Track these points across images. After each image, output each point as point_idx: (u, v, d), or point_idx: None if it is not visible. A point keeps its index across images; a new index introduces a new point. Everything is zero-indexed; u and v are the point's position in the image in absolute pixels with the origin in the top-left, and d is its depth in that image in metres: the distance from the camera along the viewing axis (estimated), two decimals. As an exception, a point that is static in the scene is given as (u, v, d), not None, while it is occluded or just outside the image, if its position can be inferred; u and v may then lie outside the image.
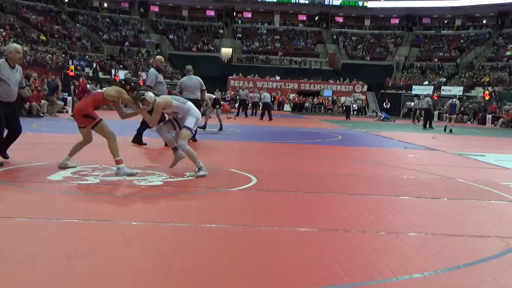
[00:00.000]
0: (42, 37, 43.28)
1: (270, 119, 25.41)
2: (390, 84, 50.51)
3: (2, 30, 35.06)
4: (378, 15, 63.76)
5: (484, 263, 3.47)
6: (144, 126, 10.23)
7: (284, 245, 3.72)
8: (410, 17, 62.02)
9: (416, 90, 45.92)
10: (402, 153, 11.58)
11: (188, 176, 6.50)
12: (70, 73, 33.27)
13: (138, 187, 5.70)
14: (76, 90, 24.49)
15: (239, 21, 63.96)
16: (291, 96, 49.03)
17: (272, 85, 49.09)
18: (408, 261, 3.45)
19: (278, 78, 51.00)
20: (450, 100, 22.66)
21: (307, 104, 47.60)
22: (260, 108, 30.25)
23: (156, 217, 4.38)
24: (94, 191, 5.39)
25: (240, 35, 60.39)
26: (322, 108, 47.83)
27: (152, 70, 10.71)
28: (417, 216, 4.89)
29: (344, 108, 43.74)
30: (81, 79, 23.28)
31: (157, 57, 10.80)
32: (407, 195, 5.95)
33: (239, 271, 3.13)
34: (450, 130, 21.26)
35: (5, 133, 7.16)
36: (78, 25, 53.60)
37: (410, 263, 3.39)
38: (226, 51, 58.03)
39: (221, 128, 15.73)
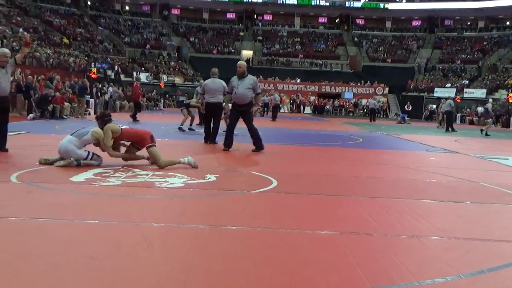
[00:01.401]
0: (65, 40, 43.81)
1: (274, 119, 27.02)
2: (411, 87, 50.07)
3: (26, 33, 35.59)
4: (399, 17, 63.30)
5: (508, 268, 3.42)
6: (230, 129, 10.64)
7: (305, 247, 3.71)
8: (432, 19, 61.45)
9: (438, 92, 45.45)
10: (424, 156, 11.47)
11: (208, 178, 6.53)
12: (92, 76, 33.62)
13: (159, 189, 5.73)
14: (130, 94, 25.43)
15: (260, 24, 64.02)
16: (312, 98, 48.88)
17: (292, 87, 49.06)
18: (430, 265, 3.41)
19: (298, 80, 50.91)
20: (484, 106, 22.74)
21: (327, 107, 47.43)
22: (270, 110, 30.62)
23: (177, 219, 4.40)
24: (115, 193, 5.44)
25: (261, 38, 60.43)
26: (343, 110, 47.60)
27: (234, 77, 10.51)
28: (439, 220, 4.83)
29: (365, 110, 43.58)
30: (135, 83, 23.74)
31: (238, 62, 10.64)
32: (429, 199, 5.89)
33: (259, 273, 3.13)
34: (486, 133, 21.17)
35: None
36: (100, 28, 54.17)
37: (432, 267, 3.36)
38: (247, 54, 58.12)
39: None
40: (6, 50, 8.88)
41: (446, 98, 26.50)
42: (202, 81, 24.50)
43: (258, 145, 10.21)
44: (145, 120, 21.84)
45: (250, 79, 10.36)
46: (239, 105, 10.34)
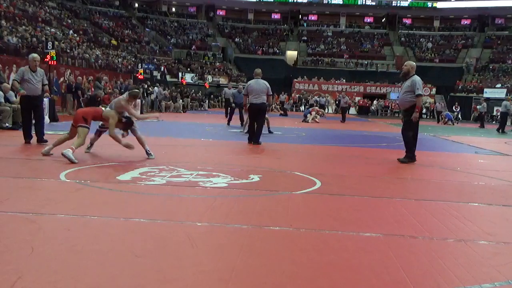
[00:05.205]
0: (113, 42, 44.77)
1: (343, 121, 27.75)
2: (460, 87, 48.92)
3: (76, 35, 36.53)
4: (448, 15, 62.00)
5: (561, 275, 3.30)
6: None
7: (348, 249, 3.68)
8: (482, 17, 59.90)
9: (488, 93, 44.29)
10: (472, 158, 11.20)
11: (251, 179, 6.55)
12: (139, 77, 34.22)
13: (203, 189, 5.79)
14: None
15: (305, 24, 63.85)
16: (357, 99, 48.42)
17: (337, 88, 48.71)
18: (477, 270, 3.33)
19: (343, 81, 50.52)
20: None
21: (372, 107, 46.85)
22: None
23: (220, 219, 4.43)
24: (160, 192, 5.52)
25: (306, 38, 60.27)
26: (389, 111, 46.94)
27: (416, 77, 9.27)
28: (487, 224, 4.71)
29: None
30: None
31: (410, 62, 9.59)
32: (477, 202, 5.75)
33: (302, 274, 3.12)
34: None
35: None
36: (147, 29, 55.14)
37: (479, 272, 3.27)
38: (291, 54, 58.06)
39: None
40: (35, 55, 9.95)
41: (486, 99, 26.17)
42: (231, 83, 24.50)
43: (410, 154, 9.25)
44: (190, 121, 22.14)
45: (410, 80, 9.12)
46: (403, 110, 9.52)
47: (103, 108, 8.48)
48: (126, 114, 8.35)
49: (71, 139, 8.08)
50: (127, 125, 8.29)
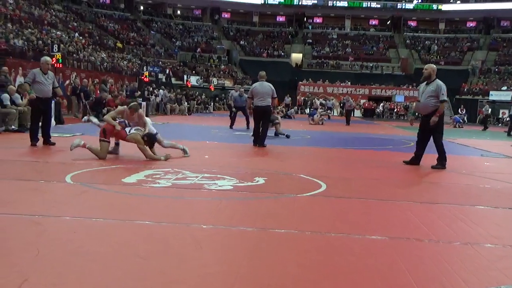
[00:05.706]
0: (119, 44, 44.82)
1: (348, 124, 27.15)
2: (465, 90, 48.78)
3: (81, 37, 36.64)
4: (453, 18, 61.79)
5: None
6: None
7: (354, 252, 3.67)
8: (488, 19, 59.66)
9: (494, 95, 44.12)
10: (478, 161, 11.16)
11: (257, 181, 6.55)
12: (144, 79, 34.29)
13: (209, 191, 5.79)
14: None
15: (310, 27, 63.80)
16: (362, 101, 48.34)
17: (342, 90, 48.64)
18: (484, 273, 3.31)
19: (349, 83, 50.45)
20: None
21: (378, 110, 46.77)
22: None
23: (226, 221, 4.42)
24: (166, 194, 5.52)
25: (311, 41, 60.21)
26: (394, 114, 46.84)
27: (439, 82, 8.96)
28: (494, 227, 4.69)
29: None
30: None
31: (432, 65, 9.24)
32: (483, 205, 5.72)
33: (307, 277, 3.11)
34: None
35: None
36: (152, 32, 55.22)
37: (486, 276, 3.26)
38: (296, 57, 58.03)
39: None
40: (47, 58, 10.27)
41: (492, 101, 26.11)
42: (237, 86, 24.31)
43: (441, 161, 8.98)
44: (195, 123, 22.18)
45: (434, 85, 8.86)
46: (423, 115, 9.17)
47: (126, 131, 8.40)
48: (145, 130, 8.56)
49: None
50: (150, 142, 8.39)
